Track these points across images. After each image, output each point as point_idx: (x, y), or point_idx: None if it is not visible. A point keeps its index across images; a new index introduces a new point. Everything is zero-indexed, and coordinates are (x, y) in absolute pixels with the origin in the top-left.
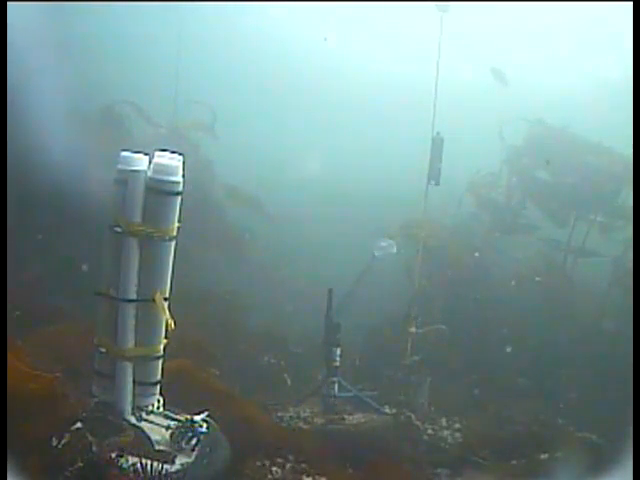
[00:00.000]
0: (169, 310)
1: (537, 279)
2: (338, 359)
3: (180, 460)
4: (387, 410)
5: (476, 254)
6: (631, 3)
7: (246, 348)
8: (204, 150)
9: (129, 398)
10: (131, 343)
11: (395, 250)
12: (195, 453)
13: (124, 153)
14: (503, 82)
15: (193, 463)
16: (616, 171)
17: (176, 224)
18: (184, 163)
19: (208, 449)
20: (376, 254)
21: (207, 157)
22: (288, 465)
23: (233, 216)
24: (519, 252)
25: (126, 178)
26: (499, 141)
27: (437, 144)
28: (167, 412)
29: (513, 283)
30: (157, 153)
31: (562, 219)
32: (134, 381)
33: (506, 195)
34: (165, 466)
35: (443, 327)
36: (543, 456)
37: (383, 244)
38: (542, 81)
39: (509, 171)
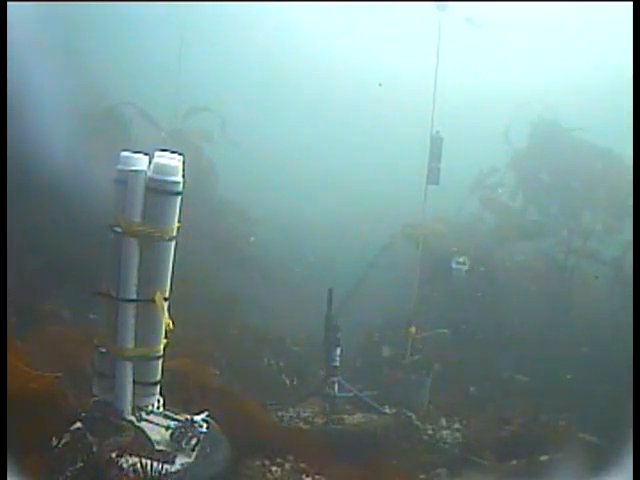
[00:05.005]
0: (168, 310)
1: (538, 279)
2: (338, 359)
3: (180, 460)
4: (387, 410)
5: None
6: (631, 3)
7: (246, 348)
8: (206, 152)
9: (129, 398)
10: (131, 343)
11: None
12: (195, 453)
13: (124, 153)
14: (477, 25)
15: (193, 463)
16: (623, 180)
17: (176, 224)
18: (184, 163)
19: (208, 449)
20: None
21: (209, 160)
22: (288, 465)
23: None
24: (520, 254)
25: (126, 178)
26: (499, 141)
27: (436, 143)
28: (167, 412)
29: (514, 285)
30: (157, 153)
31: (564, 223)
32: (134, 381)
33: (511, 197)
34: (165, 466)
35: (444, 331)
36: (543, 456)
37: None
38: (546, 81)
39: (513, 173)
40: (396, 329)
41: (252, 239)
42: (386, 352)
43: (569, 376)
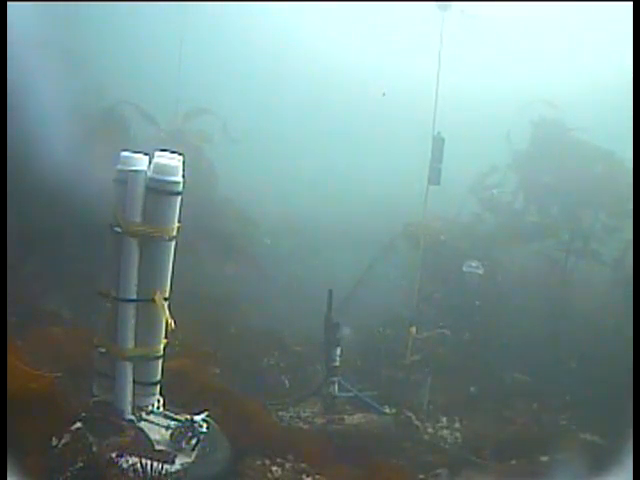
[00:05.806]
0: (169, 310)
1: (538, 280)
2: (338, 359)
3: (180, 460)
4: (387, 410)
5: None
6: (631, 3)
7: (246, 348)
8: (206, 153)
9: (129, 398)
10: (131, 343)
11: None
12: (195, 453)
13: (124, 153)
14: (475, 18)
15: (193, 463)
16: (624, 181)
17: (176, 224)
18: (184, 163)
19: (208, 449)
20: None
21: (209, 160)
22: (288, 465)
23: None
24: (521, 254)
25: (126, 178)
26: (501, 142)
27: (438, 144)
28: (167, 412)
29: (514, 284)
30: (157, 153)
31: (565, 223)
32: (134, 381)
33: (511, 198)
34: (165, 466)
35: (446, 331)
36: (543, 456)
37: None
38: (548, 82)
39: (514, 173)
40: (397, 329)
41: (268, 241)
42: (346, 332)
43: (567, 393)
